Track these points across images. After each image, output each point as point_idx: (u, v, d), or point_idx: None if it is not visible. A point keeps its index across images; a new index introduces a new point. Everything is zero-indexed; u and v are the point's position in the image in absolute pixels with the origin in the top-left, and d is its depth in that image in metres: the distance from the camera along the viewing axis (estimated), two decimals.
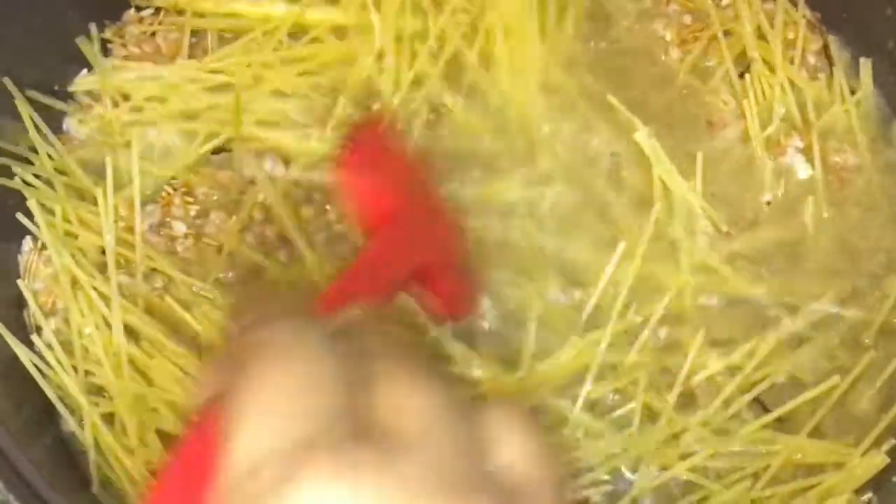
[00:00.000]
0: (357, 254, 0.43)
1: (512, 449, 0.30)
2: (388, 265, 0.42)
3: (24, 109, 0.55)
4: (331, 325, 0.32)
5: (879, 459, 0.51)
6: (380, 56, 0.58)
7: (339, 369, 0.29)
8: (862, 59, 0.60)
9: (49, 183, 0.55)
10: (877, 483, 0.51)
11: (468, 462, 0.29)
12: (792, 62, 0.60)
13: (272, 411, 0.28)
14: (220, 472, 0.27)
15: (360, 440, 0.27)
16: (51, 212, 0.54)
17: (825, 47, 0.61)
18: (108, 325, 0.52)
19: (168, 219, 0.56)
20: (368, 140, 0.51)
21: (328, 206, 0.56)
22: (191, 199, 0.57)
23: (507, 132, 0.58)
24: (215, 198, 0.57)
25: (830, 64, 0.61)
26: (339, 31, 0.60)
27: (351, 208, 0.47)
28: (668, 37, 0.61)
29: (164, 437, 0.51)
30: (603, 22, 0.62)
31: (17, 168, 0.54)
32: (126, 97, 0.58)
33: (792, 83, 0.59)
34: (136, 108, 0.58)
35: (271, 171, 0.57)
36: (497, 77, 0.58)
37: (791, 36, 0.61)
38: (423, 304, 0.48)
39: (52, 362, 0.51)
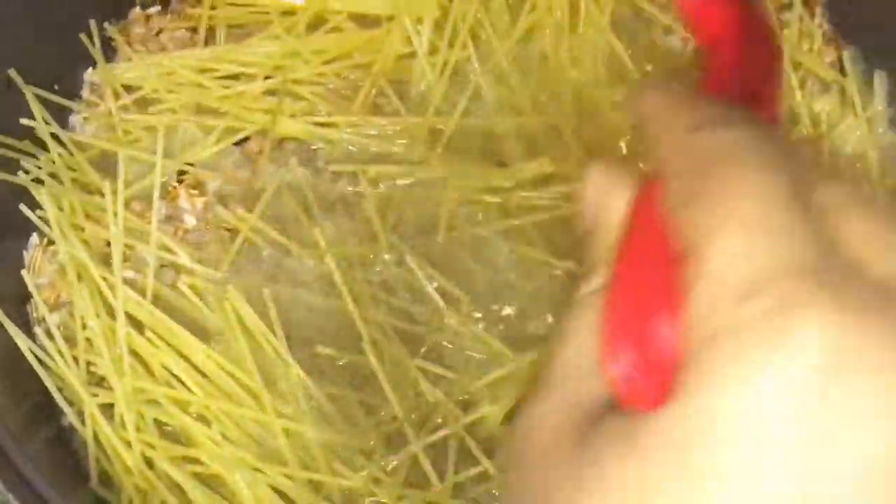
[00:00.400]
0: (703, 74, 0.40)
1: None
2: (734, 77, 0.40)
3: (34, 106, 0.55)
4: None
5: None
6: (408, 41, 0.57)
7: (803, 184, 0.26)
8: (877, 72, 0.59)
9: (56, 178, 0.55)
10: None
11: None
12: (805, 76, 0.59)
13: (761, 222, 0.25)
14: (692, 286, 0.25)
15: (858, 278, 0.24)
16: (58, 207, 0.54)
17: (839, 60, 0.60)
18: (112, 315, 0.51)
19: (176, 212, 0.56)
20: None
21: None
22: (196, 192, 0.56)
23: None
24: (229, 191, 0.57)
25: (844, 76, 0.59)
26: (359, 20, 0.59)
27: (687, 20, 0.44)
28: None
29: (162, 429, 0.50)
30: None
31: (24, 163, 0.54)
32: (132, 89, 0.58)
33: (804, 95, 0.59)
34: (145, 101, 0.58)
35: (296, 168, 0.57)
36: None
37: (806, 47, 0.60)
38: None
39: (53, 352, 0.51)
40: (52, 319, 0.53)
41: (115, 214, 0.54)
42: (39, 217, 0.54)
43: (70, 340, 0.52)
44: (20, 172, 0.54)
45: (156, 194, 0.55)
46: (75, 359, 0.51)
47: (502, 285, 0.53)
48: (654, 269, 0.27)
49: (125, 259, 0.54)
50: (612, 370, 0.27)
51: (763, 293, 0.24)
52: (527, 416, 0.29)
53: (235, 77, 0.58)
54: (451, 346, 0.52)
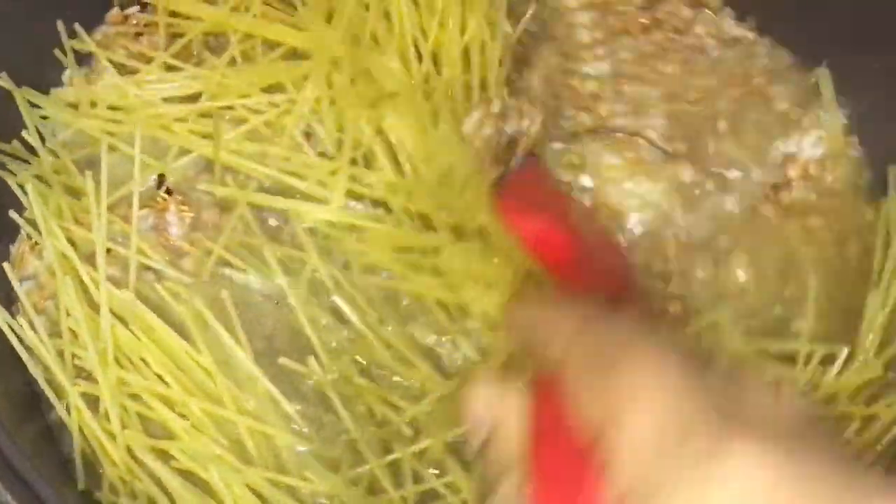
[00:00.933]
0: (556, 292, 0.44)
1: None
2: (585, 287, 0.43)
3: (23, 107, 0.57)
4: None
5: None
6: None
7: (693, 368, 0.31)
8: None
9: (42, 179, 0.57)
10: None
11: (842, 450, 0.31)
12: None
13: (664, 394, 0.29)
14: (616, 458, 0.28)
15: (745, 417, 0.28)
16: (45, 204, 0.55)
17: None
18: (96, 309, 0.53)
19: (163, 223, 0.58)
20: (524, 182, 0.51)
21: None
22: (185, 209, 0.58)
23: None
24: (209, 200, 0.59)
25: None
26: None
27: (523, 249, 0.48)
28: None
29: (146, 423, 0.53)
30: None
31: (10, 164, 0.56)
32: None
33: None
34: (111, 117, 0.60)
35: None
36: None
37: None
38: None
39: (36, 343, 0.53)
40: (39, 317, 0.55)
41: (98, 206, 0.55)
42: (25, 218, 0.56)
43: (56, 335, 0.54)
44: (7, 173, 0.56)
45: (135, 189, 0.57)
46: (60, 352, 0.53)
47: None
48: (568, 460, 0.30)
49: (110, 258, 0.56)
50: None
51: (689, 441, 0.27)
52: None
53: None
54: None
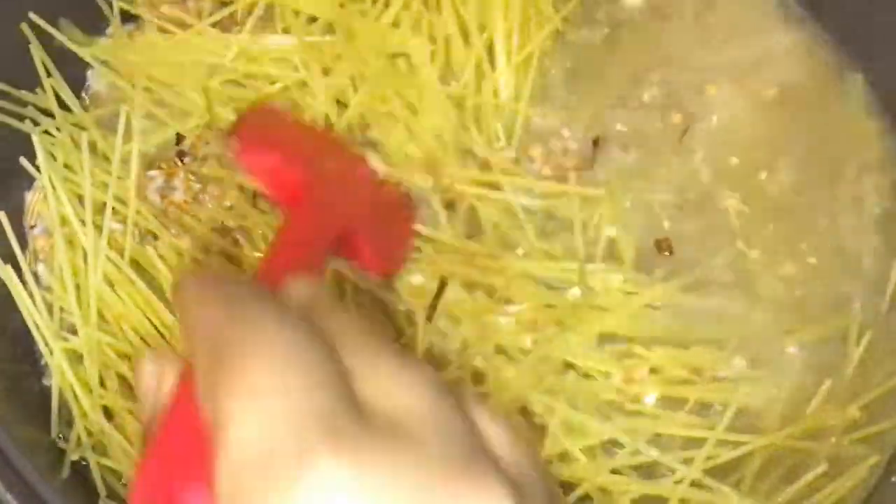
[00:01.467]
0: (279, 231, 0.44)
1: (502, 441, 0.30)
2: (313, 236, 0.43)
3: (39, 55, 0.58)
4: (293, 301, 0.32)
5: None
6: None
7: (324, 354, 0.29)
8: None
9: (57, 130, 0.58)
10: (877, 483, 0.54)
11: (474, 440, 0.29)
12: None
13: (268, 396, 0.27)
14: (215, 464, 0.27)
15: (367, 425, 0.27)
16: (52, 158, 0.57)
17: None
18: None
19: (170, 189, 0.59)
20: (260, 120, 0.52)
21: None
22: (193, 177, 0.59)
23: None
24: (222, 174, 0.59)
25: None
26: None
27: (260, 186, 0.48)
28: None
29: (123, 381, 0.54)
30: None
31: (31, 113, 0.58)
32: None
33: None
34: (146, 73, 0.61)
35: None
36: None
37: None
38: (353, 266, 0.49)
39: (30, 293, 0.55)
40: (40, 266, 0.57)
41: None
42: (37, 167, 0.58)
43: (49, 287, 0.56)
44: (27, 121, 0.58)
45: (134, 150, 0.57)
46: (49, 305, 0.55)
47: None
48: (189, 444, 0.29)
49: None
50: None
51: (278, 464, 0.26)
52: None
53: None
54: None
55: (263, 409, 0.27)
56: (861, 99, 0.62)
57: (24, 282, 0.56)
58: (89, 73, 0.62)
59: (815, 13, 0.63)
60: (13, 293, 0.55)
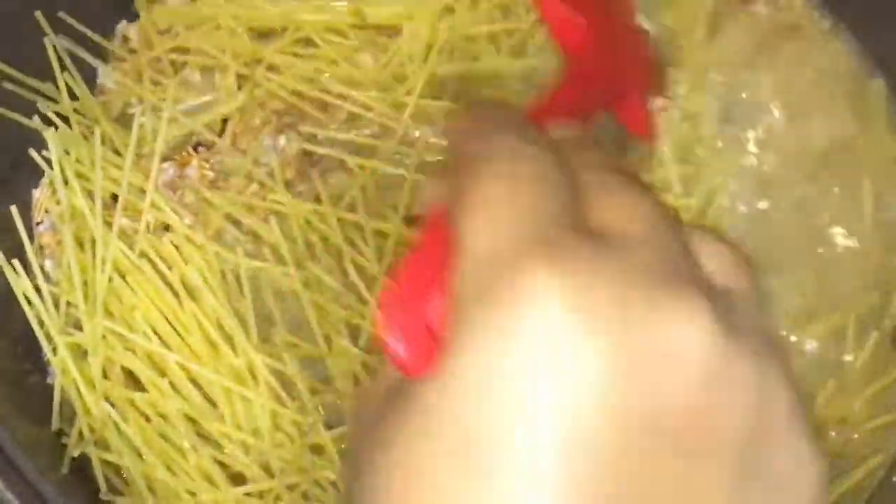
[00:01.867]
0: (557, 78, 0.43)
1: (721, 260, 0.30)
2: (590, 88, 0.43)
3: (55, 47, 0.57)
4: (546, 136, 0.33)
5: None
6: None
7: (559, 173, 0.30)
8: None
9: (68, 124, 0.57)
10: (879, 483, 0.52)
11: (685, 262, 0.29)
12: None
13: (505, 203, 0.28)
14: (453, 266, 0.28)
15: (587, 239, 0.28)
16: (65, 151, 0.56)
17: None
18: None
19: (182, 179, 0.58)
20: None
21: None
22: (207, 166, 0.58)
23: None
24: (234, 165, 0.58)
25: None
26: None
27: (547, 26, 0.48)
28: None
29: (128, 375, 0.53)
30: None
31: (41, 106, 0.57)
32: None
33: None
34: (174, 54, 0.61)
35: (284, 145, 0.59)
36: None
37: None
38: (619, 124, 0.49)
39: (33, 287, 0.54)
40: (47, 262, 0.56)
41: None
42: (45, 159, 0.57)
43: (57, 282, 0.55)
44: (35, 116, 0.57)
45: (158, 148, 0.57)
46: (55, 299, 0.54)
47: None
48: (436, 256, 0.30)
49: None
50: (385, 339, 0.30)
51: (495, 264, 0.27)
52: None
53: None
54: None
55: (491, 218, 0.28)
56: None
57: (30, 276, 0.54)
58: (99, 68, 0.61)
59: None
60: (18, 288, 0.54)
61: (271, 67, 0.60)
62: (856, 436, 0.53)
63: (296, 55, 0.60)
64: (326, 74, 0.59)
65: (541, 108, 0.39)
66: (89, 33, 0.60)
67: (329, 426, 0.52)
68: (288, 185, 0.57)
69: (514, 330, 0.26)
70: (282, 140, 0.59)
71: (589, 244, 0.27)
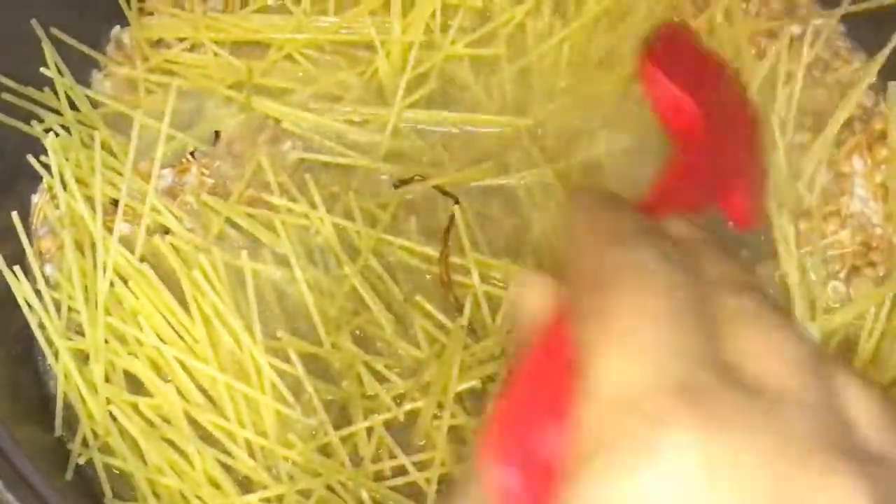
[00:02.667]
0: (666, 166, 0.39)
1: (870, 414, 0.27)
2: (701, 176, 0.39)
3: (50, 58, 0.57)
4: (676, 243, 0.30)
5: None
6: None
7: (696, 298, 0.27)
8: None
9: (67, 131, 0.57)
10: None
11: (838, 422, 0.26)
12: None
13: (643, 342, 0.25)
14: (579, 400, 0.25)
15: (731, 388, 0.25)
16: (65, 158, 0.56)
17: None
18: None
19: (181, 185, 0.58)
20: (677, 38, 0.47)
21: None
22: (206, 172, 0.58)
23: None
24: (232, 171, 0.59)
25: None
26: None
27: (654, 109, 0.43)
28: None
29: (131, 379, 0.52)
30: None
31: (40, 113, 0.57)
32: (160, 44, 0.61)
33: None
34: (167, 65, 0.61)
35: (287, 150, 0.59)
36: None
37: None
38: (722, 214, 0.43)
39: (34, 292, 0.53)
40: (47, 267, 0.56)
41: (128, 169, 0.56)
42: (44, 165, 0.56)
43: (58, 287, 0.54)
44: (34, 122, 0.57)
45: (158, 155, 0.56)
46: (56, 303, 0.53)
47: None
48: (552, 379, 0.27)
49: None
50: (493, 475, 0.26)
51: (632, 412, 0.24)
52: None
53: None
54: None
55: (627, 354, 0.25)
56: None
57: (31, 282, 0.54)
58: (94, 75, 0.61)
59: None
60: (19, 293, 0.53)
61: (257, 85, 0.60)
62: None
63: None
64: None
65: (651, 199, 0.35)
66: (84, 43, 0.60)
67: (337, 426, 0.51)
68: (284, 190, 0.57)
69: (650, 491, 0.24)
70: (279, 147, 0.59)
71: (735, 395, 0.25)
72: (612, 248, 0.28)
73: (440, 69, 0.60)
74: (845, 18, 0.62)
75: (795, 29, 0.61)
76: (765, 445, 0.24)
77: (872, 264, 0.56)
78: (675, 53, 0.45)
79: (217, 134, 0.60)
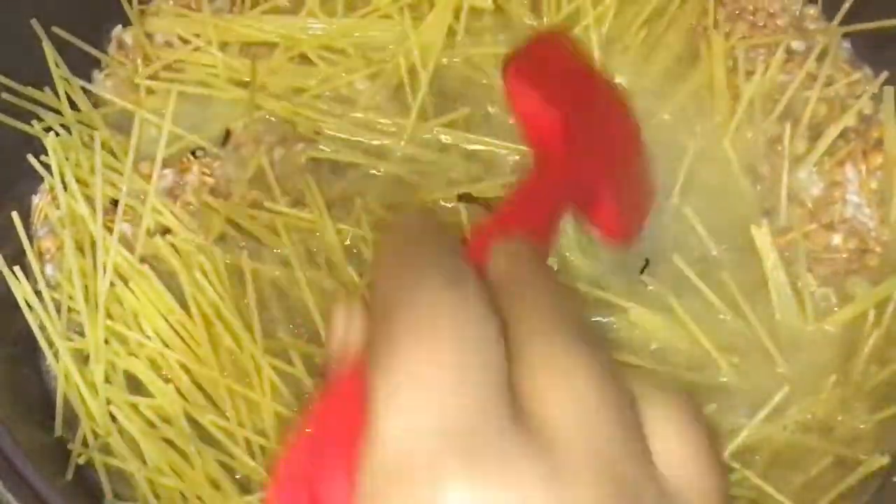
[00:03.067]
0: (522, 179, 0.38)
1: (672, 448, 0.26)
2: (557, 192, 0.38)
3: (52, 56, 0.57)
4: (481, 274, 0.28)
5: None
6: None
7: (494, 351, 0.26)
8: None
9: (67, 130, 0.57)
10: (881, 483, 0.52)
11: (630, 462, 0.25)
12: None
13: (427, 397, 0.24)
14: (365, 452, 0.25)
15: (512, 438, 0.24)
16: (65, 157, 0.56)
17: None
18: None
19: (182, 184, 0.58)
20: (548, 49, 0.46)
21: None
22: (208, 172, 0.58)
23: None
24: (233, 172, 0.59)
25: None
26: None
27: (516, 120, 0.42)
28: None
29: (131, 379, 0.52)
30: None
31: (40, 113, 0.57)
32: (157, 58, 0.61)
33: None
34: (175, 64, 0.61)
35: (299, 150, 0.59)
36: None
37: None
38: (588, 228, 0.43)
39: (33, 293, 0.53)
40: (48, 267, 0.56)
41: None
42: (44, 165, 0.56)
43: (58, 287, 0.54)
44: (34, 122, 0.57)
45: (159, 156, 0.56)
46: (56, 304, 0.53)
47: None
48: (348, 422, 0.26)
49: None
50: None
51: (413, 465, 0.24)
52: None
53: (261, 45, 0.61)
54: None
55: (410, 406, 0.24)
56: None
57: (31, 282, 0.54)
58: (95, 75, 0.61)
59: None
60: (19, 293, 0.53)
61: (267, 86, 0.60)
62: (862, 426, 0.53)
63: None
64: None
65: (501, 216, 0.34)
66: (85, 42, 0.60)
67: None
68: (287, 192, 0.58)
69: None
70: (290, 148, 0.59)
71: (514, 446, 0.24)
72: (411, 291, 0.26)
73: (460, 71, 0.61)
74: (848, 33, 0.62)
75: (797, 45, 0.62)
76: (533, 493, 0.24)
77: (868, 268, 0.57)
78: (542, 65, 0.44)
79: (228, 133, 0.60)
